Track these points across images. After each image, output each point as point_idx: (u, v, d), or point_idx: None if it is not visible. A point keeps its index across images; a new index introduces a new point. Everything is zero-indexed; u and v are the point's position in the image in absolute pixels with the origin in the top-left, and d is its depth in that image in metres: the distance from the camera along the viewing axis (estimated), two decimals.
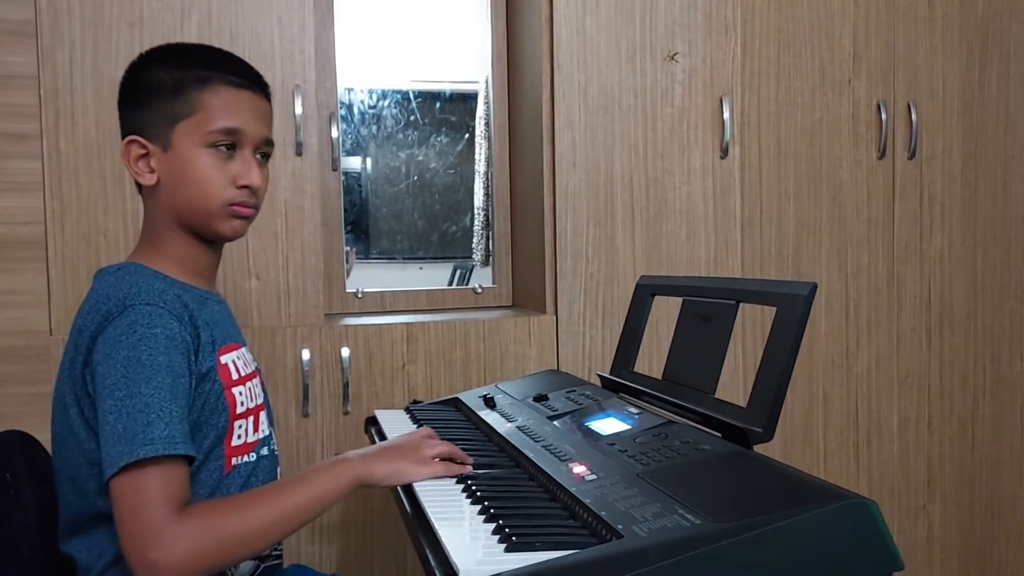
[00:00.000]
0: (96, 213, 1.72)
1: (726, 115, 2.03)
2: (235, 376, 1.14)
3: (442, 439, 1.20)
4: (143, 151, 1.12)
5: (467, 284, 2.36)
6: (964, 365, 2.25)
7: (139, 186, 1.16)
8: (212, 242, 1.18)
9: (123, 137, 1.15)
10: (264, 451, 1.18)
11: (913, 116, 2.16)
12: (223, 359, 1.12)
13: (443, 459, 1.13)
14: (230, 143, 1.13)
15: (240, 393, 1.14)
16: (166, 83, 1.11)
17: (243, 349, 1.19)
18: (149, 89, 1.12)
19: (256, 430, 1.17)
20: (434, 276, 2.40)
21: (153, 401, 0.97)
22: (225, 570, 1.10)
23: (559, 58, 1.95)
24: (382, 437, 1.43)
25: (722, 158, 2.05)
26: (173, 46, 1.20)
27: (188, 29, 1.74)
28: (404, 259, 2.39)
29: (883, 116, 2.14)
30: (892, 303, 2.19)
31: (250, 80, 1.16)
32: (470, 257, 2.39)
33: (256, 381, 1.20)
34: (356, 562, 1.85)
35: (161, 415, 0.97)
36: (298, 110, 1.80)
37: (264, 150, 1.17)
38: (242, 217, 1.15)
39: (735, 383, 2.05)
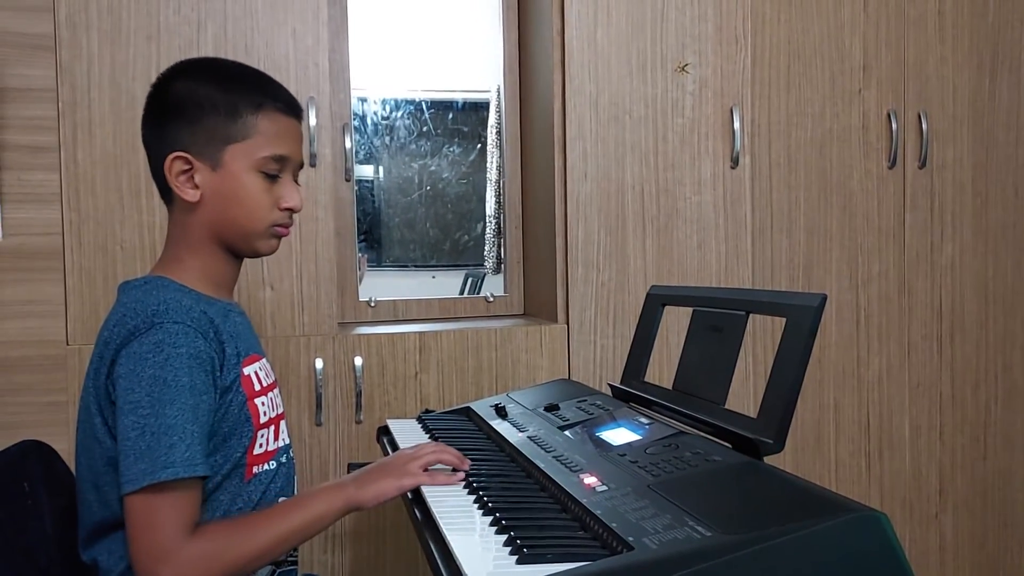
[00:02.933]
0: (113, 224, 1.74)
1: (736, 125, 2.03)
2: (257, 387, 1.16)
3: (444, 446, 1.22)
4: (187, 167, 1.13)
5: (478, 292, 2.37)
6: (976, 374, 2.24)
7: (167, 199, 1.18)
8: (239, 256, 1.20)
9: (156, 150, 1.15)
10: (283, 459, 1.21)
11: (924, 126, 2.16)
12: (246, 371, 1.14)
13: (433, 466, 1.15)
14: (278, 169, 1.16)
15: (263, 403, 1.16)
16: (219, 103, 1.13)
17: (264, 360, 1.21)
18: (198, 107, 1.13)
19: (277, 439, 1.19)
20: (446, 284, 2.41)
21: (176, 423, 1.00)
22: None
23: (571, 69, 1.97)
24: (394, 446, 1.44)
25: (732, 168, 2.05)
26: (213, 63, 1.22)
27: (204, 42, 1.76)
28: (416, 267, 2.41)
29: (893, 126, 2.14)
30: (903, 312, 2.19)
31: (294, 107, 1.20)
32: (482, 265, 2.40)
33: (276, 391, 1.23)
34: (368, 572, 1.87)
35: (183, 437, 1.00)
36: (312, 121, 1.81)
37: (297, 172, 1.22)
38: (281, 237, 1.20)
39: (745, 393, 2.05)
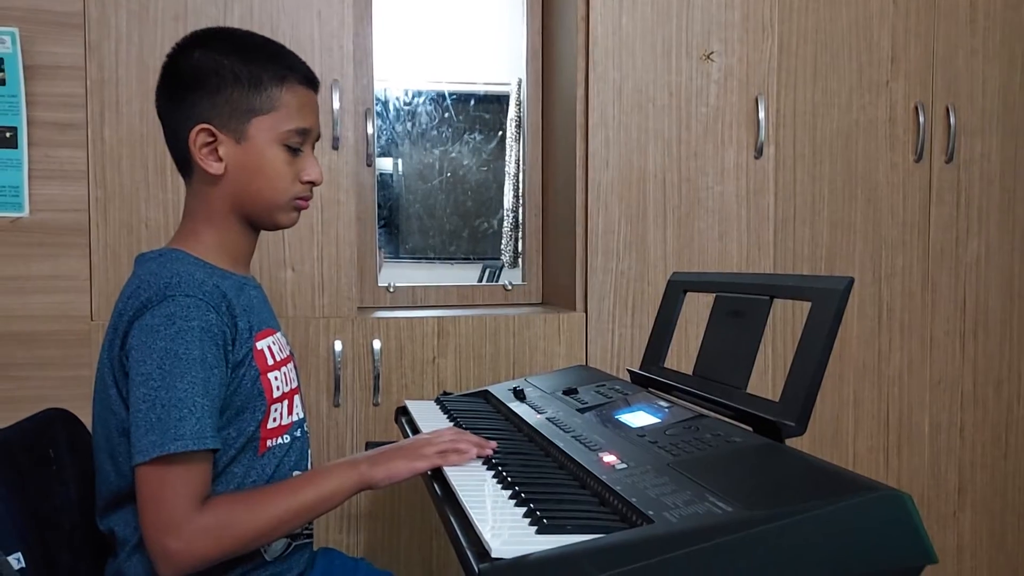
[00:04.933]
0: (138, 202, 1.76)
1: (761, 115, 2.02)
2: (270, 361, 1.16)
3: (468, 430, 1.22)
4: (211, 139, 1.13)
5: (496, 281, 2.38)
6: (998, 371, 2.22)
7: (184, 171, 1.18)
8: (257, 230, 1.21)
9: (175, 121, 1.14)
10: (297, 433, 1.20)
11: (952, 119, 2.14)
12: (259, 345, 1.14)
13: (448, 451, 1.13)
14: (300, 142, 1.16)
15: (276, 378, 1.16)
16: (242, 75, 1.12)
17: (278, 334, 1.21)
18: (220, 78, 1.12)
19: (290, 413, 1.19)
20: (463, 276, 2.42)
21: (186, 396, 1.01)
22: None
23: (594, 55, 1.96)
24: (412, 426, 1.44)
25: (756, 158, 2.04)
26: (230, 33, 1.20)
27: (230, 22, 1.77)
28: (434, 257, 2.41)
29: (921, 119, 2.12)
30: (926, 307, 2.17)
31: (313, 79, 1.20)
32: (499, 258, 2.40)
33: (291, 366, 1.23)
34: (382, 551, 1.87)
35: (193, 410, 1.00)
36: (335, 105, 1.82)
37: (314, 145, 1.21)
38: (301, 209, 1.20)
39: (764, 384, 2.04)
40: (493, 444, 1.16)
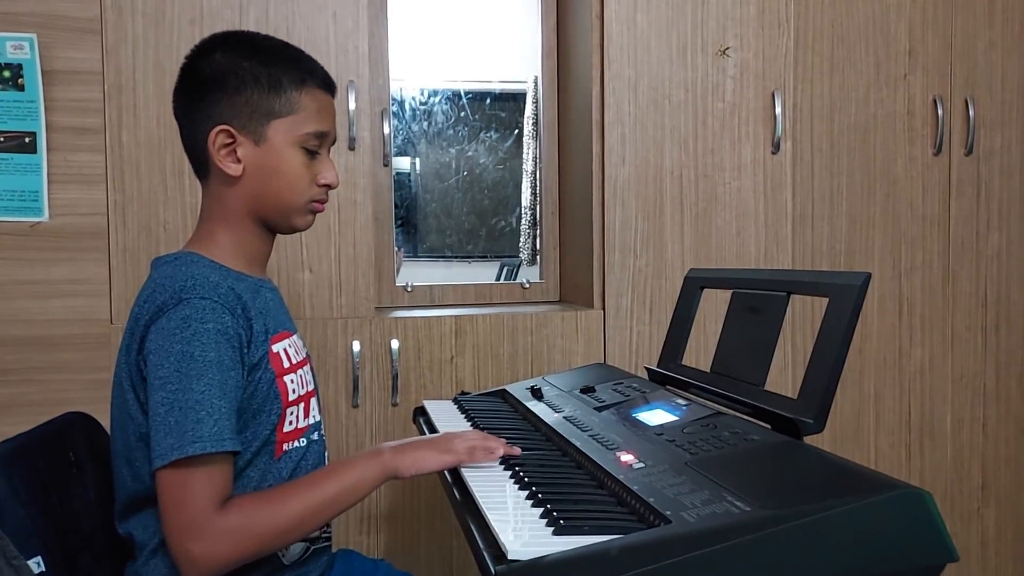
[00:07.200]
0: (156, 205, 1.77)
1: (778, 110, 2.01)
2: (286, 364, 1.16)
3: (485, 430, 1.22)
4: (230, 141, 1.13)
5: (514, 279, 2.37)
6: (1021, 365, 2.19)
7: (201, 173, 1.19)
8: (274, 232, 1.21)
9: (193, 123, 1.15)
10: (314, 436, 1.20)
11: (971, 112, 2.11)
12: (275, 348, 1.14)
13: (476, 448, 1.14)
14: (318, 145, 1.17)
15: (292, 381, 1.16)
16: (261, 77, 1.13)
17: (294, 336, 1.21)
18: (240, 80, 1.13)
19: (307, 416, 1.19)
20: (481, 274, 2.42)
21: (204, 398, 1.01)
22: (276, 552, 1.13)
23: (609, 53, 1.95)
24: (430, 426, 1.45)
25: (773, 153, 2.03)
26: (249, 36, 1.21)
27: (246, 25, 1.78)
28: (452, 256, 2.41)
29: (939, 112, 2.10)
30: (947, 301, 2.14)
31: (331, 84, 1.21)
32: (517, 256, 2.40)
33: (307, 368, 1.22)
34: (402, 552, 1.88)
35: (211, 412, 1.00)
36: (351, 106, 1.82)
37: (330, 148, 1.22)
38: (316, 212, 1.20)
39: (783, 381, 2.03)
40: (517, 450, 1.16)
